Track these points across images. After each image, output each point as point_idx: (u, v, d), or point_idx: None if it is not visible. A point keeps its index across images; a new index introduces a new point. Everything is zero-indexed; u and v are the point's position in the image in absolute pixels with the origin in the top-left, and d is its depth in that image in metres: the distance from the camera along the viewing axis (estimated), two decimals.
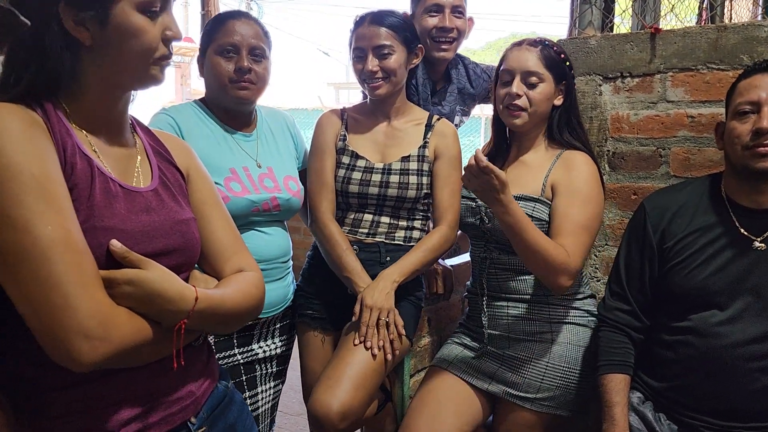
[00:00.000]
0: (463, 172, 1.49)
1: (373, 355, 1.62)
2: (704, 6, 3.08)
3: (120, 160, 1.00)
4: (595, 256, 1.91)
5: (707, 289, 1.43)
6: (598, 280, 1.89)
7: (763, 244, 1.39)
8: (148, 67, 0.95)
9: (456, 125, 2.19)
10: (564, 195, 1.62)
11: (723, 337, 1.40)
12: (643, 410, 1.51)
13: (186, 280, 1.04)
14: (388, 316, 1.64)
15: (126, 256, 0.89)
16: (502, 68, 1.70)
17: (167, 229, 0.99)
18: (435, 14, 2.00)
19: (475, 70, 2.22)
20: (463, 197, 1.80)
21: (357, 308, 1.66)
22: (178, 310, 0.92)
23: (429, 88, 2.08)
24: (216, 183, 1.57)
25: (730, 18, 3.73)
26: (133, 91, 1.01)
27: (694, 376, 1.44)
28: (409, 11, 2.10)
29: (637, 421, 1.50)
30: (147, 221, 0.96)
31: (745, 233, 1.41)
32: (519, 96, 1.65)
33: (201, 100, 1.75)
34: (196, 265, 1.10)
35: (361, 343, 1.63)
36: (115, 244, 0.88)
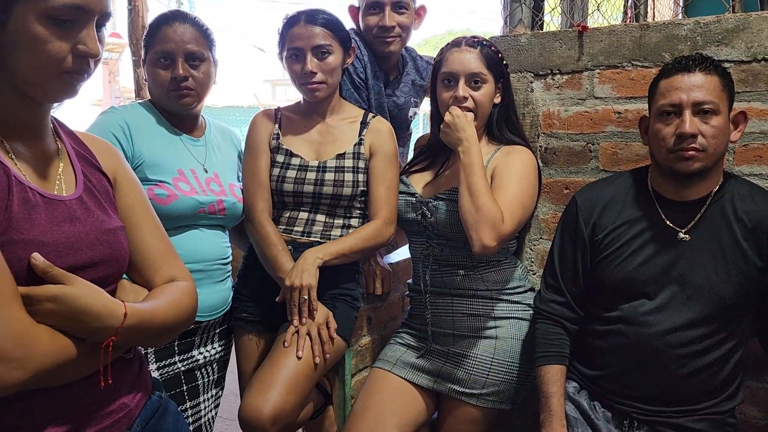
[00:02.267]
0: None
1: (308, 356, 1.61)
2: (629, 5, 3.20)
3: (40, 167, 0.94)
4: (531, 249, 1.95)
5: (636, 280, 1.48)
6: (534, 273, 1.93)
7: (687, 236, 1.44)
8: (52, 81, 0.89)
9: (410, 117, 2.20)
10: (500, 175, 1.64)
11: (652, 326, 1.45)
12: (579, 399, 1.55)
13: (113, 291, 1.00)
14: (309, 294, 1.61)
15: (48, 271, 0.84)
16: (442, 70, 1.70)
17: (93, 239, 0.94)
18: (376, 12, 1.98)
19: (421, 63, 2.22)
20: (402, 193, 1.80)
21: (280, 298, 1.65)
22: (105, 327, 0.88)
23: (382, 81, 2.07)
24: (164, 182, 1.55)
25: (654, 16, 3.88)
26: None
27: (625, 364, 1.49)
28: (356, 3, 2.08)
29: (573, 409, 1.54)
30: (71, 232, 0.91)
31: (671, 225, 1.46)
32: (465, 99, 1.66)
33: (149, 101, 1.72)
34: (124, 275, 1.06)
35: (290, 345, 1.61)
36: (37, 257, 0.84)
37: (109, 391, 0.95)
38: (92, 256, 0.93)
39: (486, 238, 1.53)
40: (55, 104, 0.98)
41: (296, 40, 1.71)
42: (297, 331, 1.62)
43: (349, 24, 1.99)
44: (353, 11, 2.10)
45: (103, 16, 0.91)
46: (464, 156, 1.60)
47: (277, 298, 1.67)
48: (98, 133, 1.50)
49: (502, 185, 1.62)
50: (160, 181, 1.56)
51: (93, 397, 0.94)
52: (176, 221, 1.56)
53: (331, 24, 1.73)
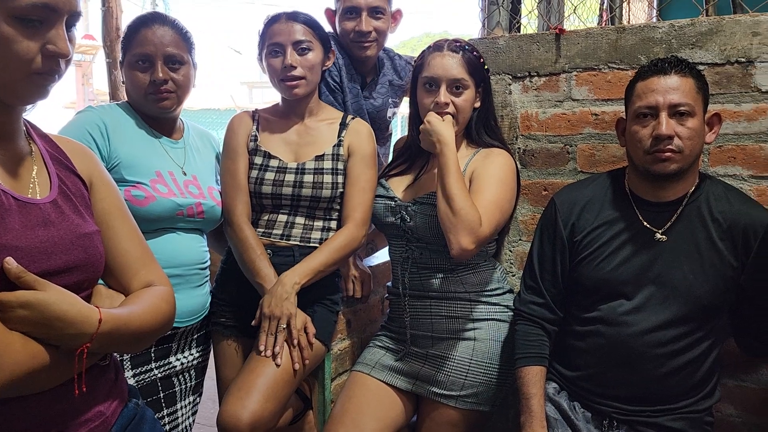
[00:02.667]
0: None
1: (287, 362, 1.59)
2: (604, 8, 3.23)
3: (13, 170, 0.92)
4: (510, 251, 1.96)
5: (614, 280, 1.49)
6: (513, 275, 1.93)
7: (664, 236, 1.46)
8: (20, 82, 0.86)
9: (389, 117, 2.19)
10: (479, 178, 1.64)
11: (630, 326, 1.46)
12: (559, 400, 1.56)
13: (89, 296, 0.98)
14: (288, 323, 1.60)
15: (21, 277, 0.82)
16: (424, 74, 1.70)
17: (68, 244, 0.92)
18: (352, 17, 1.98)
19: (399, 62, 2.22)
20: (382, 197, 1.80)
21: (255, 322, 1.63)
22: (79, 333, 0.86)
23: (359, 83, 2.06)
24: (142, 183, 1.53)
25: (629, 19, 3.93)
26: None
27: (604, 364, 1.50)
28: (333, 7, 2.07)
29: (553, 410, 1.55)
30: (45, 236, 0.89)
31: (648, 226, 1.48)
32: (447, 105, 1.66)
33: (127, 102, 1.69)
34: (100, 280, 1.03)
35: (263, 353, 1.59)
36: (10, 262, 0.81)
37: (84, 398, 0.93)
38: (67, 261, 0.91)
39: (464, 241, 1.52)
40: (28, 107, 0.95)
41: (276, 35, 1.71)
42: (275, 337, 1.61)
43: (326, 27, 1.98)
44: (330, 14, 2.10)
45: (73, 16, 0.89)
46: (441, 159, 1.59)
47: (252, 322, 1.64)
48: (75, 131, 1.48)
49: (480, 188, 1.62)
50: (138, 183, 1.53)
51: (67, 405, 0.92)
52: (154, 223, 1.54)
53: (312, 23, 1.74)
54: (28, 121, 1.00)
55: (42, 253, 0.87)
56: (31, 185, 0.94)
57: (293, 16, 1.72)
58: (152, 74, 1.57)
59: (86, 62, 13.95)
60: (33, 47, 0.85)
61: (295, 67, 1.69)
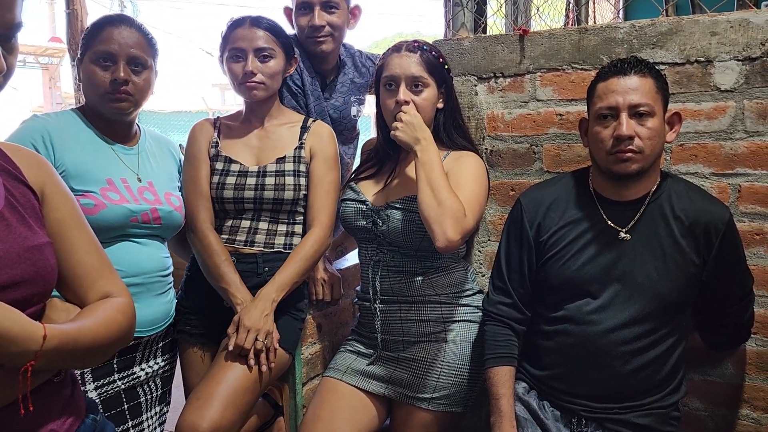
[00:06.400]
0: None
1: (249, 370, 1.58)
2: (570, 8, 3.26)
3: None
4: (479, 251, 1.96)
5: (580, 279, 1.50)
6: (483, 275, 1.94)
7: (627, 235, 1.47)
8: None
9: (354, 116, 2.18)
10: (454, 178, 1.63)
11: (596, 324, 1.47)
12: (528, 399, 1.56)
13: (41, 311, 0.95)
14: (265, 339, 1.60)
15: None
16: (384, 74, 1.70)
17: (14, 257, 0.89)
18: (306, 12, 1.97)
19: (360, 59, 2.20)
20: (352, 200, 1.79)
21: (232, 329, 1.61)
22: (22, 351, 0.82)
23: (318, 85, 2.05)
24: (91, 192, 1.49)
25: (595, 19, 3.97)
26: None
27: (571, 363, 1.51)
28: (291, 5, 2.06)
29: (523, 410, 1.55)
30: None
31: (612, 225, 1.49)
32: (407, 103, 1.65)
33: (80, 108, 1.65)
34: (57, 293, 1.00)
35: (229, 359, 1.58)
36: None
37: (33, 417, 0.90)
38: (13, 275, 0.88)
39: (450, 231, 1.51)
40: None
41: (239, 40, 1.70)
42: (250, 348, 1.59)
43: (288, 28, 1.97)
44: (288, 12, 2.08)
45: (9, 29, 0.85)
46: (423, 154, 1.59)
47: (228, 330, 1.62)
48: (17, 141, 1.43)
49: (457, 186, 1.61)
50: (86, 191, 1.50)
51: (15, 425, 0.88)
52: (107, 232, 1.50)
53: (276, 30, 1.74)
54: None
55: None
56: None
57: (257, 22, 1.71)
58: (113, 73, 1.54)
59: (53, 65, 13.70)
60: None
61: (255, 74, 1.68)
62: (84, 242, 1.05)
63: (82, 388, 1.31)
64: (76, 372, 1.09)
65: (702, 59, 1.64)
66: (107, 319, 0.98)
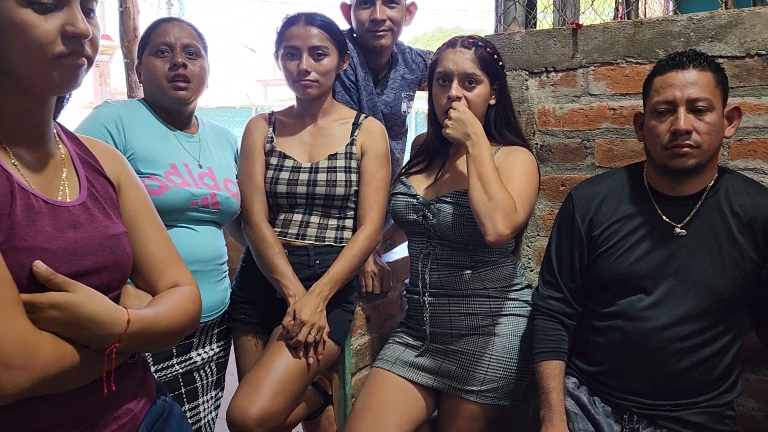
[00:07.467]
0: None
1: (298, 359, 1.63)
2: (620, 1, 3.20)
3: (44, 173, 0.94)
4: (528, 246, 1.96)
5: (633, 275, 1.49)
6: (531, 270, 1.93)
7: (683, 230, 1.46)
8: (47, 67, 0.86)
9: (404, 112, 2.20)
10: (505, 173, 1.64)
11: (649, 320, 1.46)
12: (578, 394, 1.56)
13: (117, 297, 1.00)
14: (318, 333, 1.64)
15: (51, 279, 0.84)
16: (437, 70, 1.71)
17: (96, 245, 0.94)
18: (367, 6, 2.00)
19: (411, 55, 2.22)
20: (403, 194, 1.81)
21: (288, 321, 1.65)
22: (109, 333, 0.88)
23: (371, 81, 2.08)
24: (156, 174, 1.56)
25: (645, 13, 3.89)
26: (53, 98, 0.94)
27: (623, 359, 1.50)
28: (348, 1, 2.09)
29: (573, 405, 1.55)
30: (74, 238, 0.91)
31: (667, 220, 1.47)
32: (459, 99, 1.66)
33: (144, 99, 1.74)
34: (129, 281, 1.06)
35: (281, 349, 1.63)
36: (39, 265, 0.83)
37: (113, 396, 0.95)
38: (96, 262, 0.93)
39: (500, 225, 1.53)
40: (60, 97, 0.96)
41: (294, 38, 1.73)
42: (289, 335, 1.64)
43: (341, 23, 2.00)
44: (345, 9, 2.11)
45: (87, 0, 0.89)
46: (474, 149, 1.60)
47: (281, 324, 1.67)
48: (91, 126, 1.53)
49: (508, 180, 1.62)
50: (152, 174, 1.57)
51: (97, 403, 0.94)
52: (168, 214, 1.55)
53: (330, 27, 1.76)
54: (59, 124, 1.02)
55: (71, 255, 0.89)
56: (61, 188, 0.96)
57: (311, 20, 1.74)
58: (171, 59, 1.63)
59: (104, 62, 14.10)
60: (51, 30, 0.84)
61: (310, 72, 1.71)
62: (155, 233, 1.10)
63: None
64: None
65: (763, 52, 1.61)
66: (179, 306, 1.03)
